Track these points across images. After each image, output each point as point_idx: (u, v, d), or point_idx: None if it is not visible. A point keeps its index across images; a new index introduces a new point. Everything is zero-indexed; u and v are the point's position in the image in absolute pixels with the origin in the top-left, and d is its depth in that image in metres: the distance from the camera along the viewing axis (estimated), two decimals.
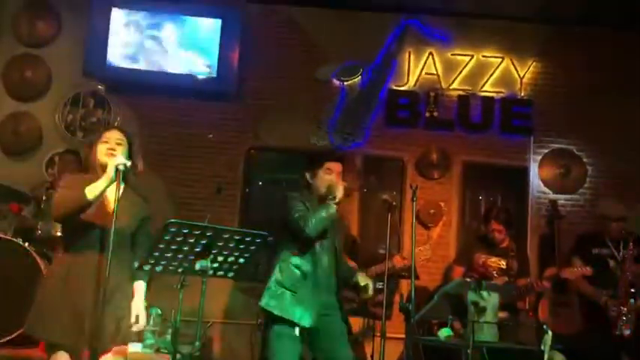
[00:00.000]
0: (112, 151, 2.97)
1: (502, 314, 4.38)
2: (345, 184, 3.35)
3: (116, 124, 6.15)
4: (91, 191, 2.78)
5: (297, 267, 3.32)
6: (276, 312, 3.27)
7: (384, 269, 4.02)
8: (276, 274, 3.36)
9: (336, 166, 3.44)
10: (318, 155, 3.56)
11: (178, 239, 2.62)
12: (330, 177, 3.40)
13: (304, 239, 3.30)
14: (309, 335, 3.29)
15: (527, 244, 5.95)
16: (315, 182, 3.46)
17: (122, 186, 2.86)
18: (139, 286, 3.02)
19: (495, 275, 4.68)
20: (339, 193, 3.31)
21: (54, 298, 2.79)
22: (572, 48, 6.29)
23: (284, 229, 3.41)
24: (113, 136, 3.04)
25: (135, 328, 2.95)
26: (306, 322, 3.24)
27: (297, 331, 3.23)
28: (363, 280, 3.46)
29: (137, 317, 2.94)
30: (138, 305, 2.98)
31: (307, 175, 3.48)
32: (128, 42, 6.11)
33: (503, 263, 4.72)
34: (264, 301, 3.33)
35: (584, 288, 4.85)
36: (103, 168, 2.88)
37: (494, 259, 4.72)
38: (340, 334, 3.39)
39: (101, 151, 2.99)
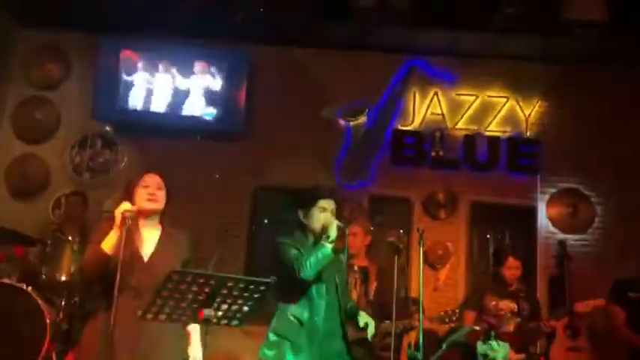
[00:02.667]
0: (152, 197, 2.89)
1: (518, 357, 4.28)
2: (340, 223, 3.19)
3: (123, 164, 6.18)
4: (107, 244, 2.72)
5: (294, 315, 3.21)
6: None
7: (398, 327, 3.94)
8: (273, 323, 3.27)
9: (329, 204, 3.31)
10: (310, 193, 3.38)
11: (182, 287, 2.57)
12: (324, 215, 3.27)
13: (299, 284, 3.17)
14: None
15: (536, 286, 5.85)
16: (308, 222, 3.32)
17: (159, 231, 2.85)
18: (194, 330, 2.96)
19: (507, 318, 4.57)
20: (334, 232, 3.15)
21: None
22: (576, 87, 6.31)
23: (278, 277, 3.22)
24: (154, 181, 2.94)
25: None
26: None
27: None
28: (362, 320, 3.28)
29: None
30: (194, 351, 2.94)
31: (300, 215, 3.35)
32: (137, 84, 6.18)
33: (514, 306, 4.62)
34: (261, 352, 3.23)
35: (627, 336, 4.73)
36: (144, 214, 2.84)
37: (505, 301, 4.62)
38: None
39: (141, 196, 2.88)
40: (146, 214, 2.87)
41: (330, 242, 3.15)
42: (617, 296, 4.76)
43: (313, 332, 3.18)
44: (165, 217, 2.99)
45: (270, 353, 3.19)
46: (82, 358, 2.80)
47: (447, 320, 4.11)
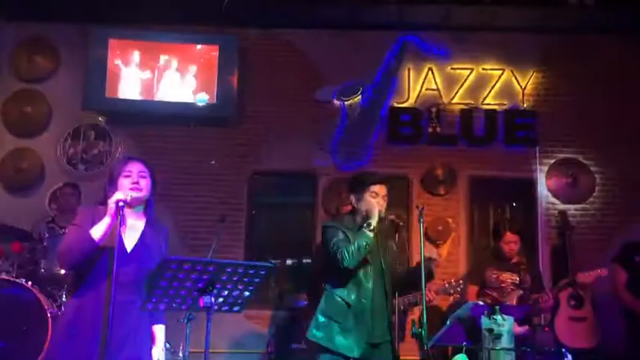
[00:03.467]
0: (136, 185, 2.84)
1: (521, 328, 4.28)
2: (381, 210, 3.27)
3: (117, 155, 6.13)
4: (96, 231, 2.69)
5: (341, 297, 3.27)
6: (322, 343, 3.23)
7: (412, 300, 3.95)
8: (322, 305, 3.33)
9: (382, 189, 3.37)
10: (362, 178, 3.45)
11: (180, 276, 2.54)
12: (377, 200, 3.32)
13: (345, 270, 3.23)
14: None
15: (538, 258, 5.84)
16: (360, 206, 3.37)
17: (143, 223, 2.83)
18: (159, 331, 2.93)
19: (509, 290, 4.59)
20: (375, 219, 3.23)
21: (63, 344, 2.70)
22: (571, 56, 6.26)
23: (325, 259, 3.35)
24: (136, 169, 2.88)
25: None
26: (353, 352, 3.18)
27: None
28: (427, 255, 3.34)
29: None
30: (158, 352, 2.90)
31: (353, 199, 3.41)
32: (127, 73, 6.10)
33: (516, 278, 4.63)
34: (310, 332, 3.29)
35: (626, 300, 4.73)
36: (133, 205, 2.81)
37: (506, 274, 4.64)
38: None
39: (124, 185, 2.83)
40: (130, 203, 2.78)
41: (371, 230, 3.20)
42: (623, 258, 4.76)
43: (361, 314, 3.25)
44: (149, 209, 2.93)
45: (318, 334, 3.26)
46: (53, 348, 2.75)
47: (451, 292, 4.11)
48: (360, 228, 3.27)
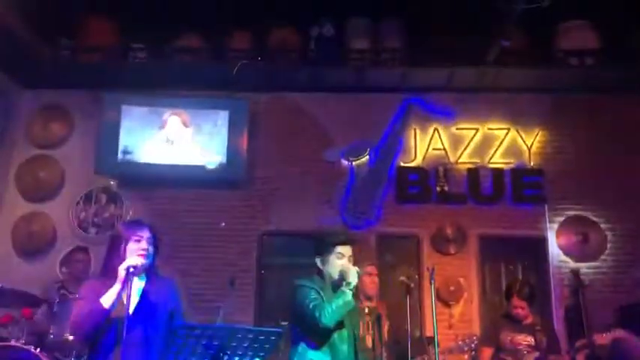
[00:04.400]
0: (145, 252, 2.83)
1: None
2: (358, 270, 3.20)
3: (128, 217, 6.18)
4: (106, 300, 2.69)
5: (315, 359, 3.16)
6: None
7: None
8: None
9: (347, 250, 3.32)
10: (328, 239, 3.39)
11: (191, 342, 2.53)
12: (342, 262, 3.27)
13: (321, 330, 3.13)
14: None
15: (552, 317, 5.75)
16: (326, 268, 3.31)
17: (143, 283, 2.82)
18: None
19: (525, 352, 4.46)
20: (354, 278, 3.16)
21: None
22: (576, 114, 6.36)
23: (297, 320, 3.25)
24: (145, 234, 2.86)
25: None
26: None
27: None
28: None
29: None
30: None
31: (318, 261, 3.35)
32: (138, 137, 6.22)
33: (531, 340, 4.52)
34: None
35: None
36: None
37: (521, 336, 4.53)
38: None
39: (132, 249, 2.81)
40: (137, 269, 2.77)
41: (350, 289, 3.15)
42: (632, 319, 4.64)
43: None
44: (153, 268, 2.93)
45: None
46: None
47: (465, 348, 4.01)
48: (333, 289, 3.22)
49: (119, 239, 2.87)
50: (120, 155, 6.14)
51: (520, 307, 4.49)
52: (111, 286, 2.72)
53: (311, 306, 3.13)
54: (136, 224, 2.95)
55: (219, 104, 6.38)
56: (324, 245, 3.36)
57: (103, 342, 2.74)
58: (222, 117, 6.27)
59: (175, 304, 2.96)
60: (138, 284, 2.87)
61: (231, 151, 6.19)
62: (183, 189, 6.27)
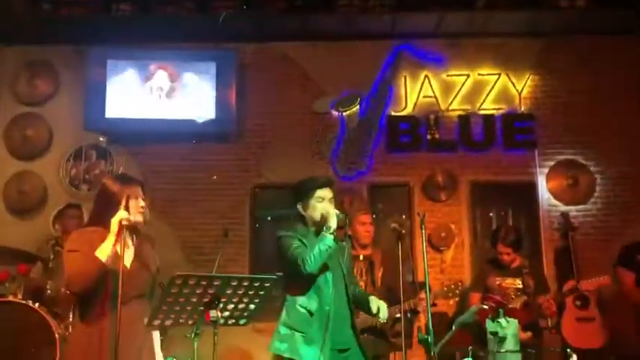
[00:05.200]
0: (144, 209, 2.85)
1: (526, 335, 4.27)
2: (338, 212, 3.19)
3: (109, 175, 6.18)
4: (102, 252, 2.67)
5: (303, 306, 3.20)
6: (286, 355, 3.15)
7: (405, 309, 3.93)
8: (283, 316, 3.26)
9: (327, 193, 3.29)
10: (306, 184, 3.35)
11: (186, 291, 2.56)
12: (322, 205, 3.26)
13: (306, 277, 3.16)
14: None
15: (542, 260, 5.86)
16: (308, 213, 3.30)
17: (134, 239, 2.83)
18: (155, 336, 2.93)
19: (513, 297, 4.55)
20: (334, 222, 3.16)
21: None
22: (566, 58, 6.31)
23: (283, 269, 3.26)
24: (141, 193, 2.87)
25: None
26: None
27: None
28: (374, 305, 3.30)
29: None
30: (160, 355, 2.91)
31: (299, 207, 3.33)
32: (126, 92, 6.14)
33: (519, 282, 4.61)
34: (273, 346, 3.21)
35: (637, 295, 4.74)
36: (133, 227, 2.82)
37: (509, 280, 4.61)
38: None
39: (135, 208, 2.81)
40: (130, 225, 2.78)
41: (331, 233, 3.14)
42: (625, 259, 4.75)
43: (324, 321, 3.15)
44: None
45: (282, 347, 3.17)
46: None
47: (450, 294, 4.10)
48: (317, 233, 3.23)
49: (113, 193, 2.83)
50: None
51: (506, 254, 4.56)
52: (103, 236, 2.71)
53: (294, 254, 3.14)
54: (133, 180, 2.95)
55: (206, 56, 6.28)
56: (303, 190, 3.34)
57: (98, 297, 2.75)
58: (210, 69, 6.18)
59: (157, 263, 2.98)
60: (129, 241, 2.88)
61: (220, 103, 6.13)
62: (173, 144, 6.23)
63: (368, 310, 3.34)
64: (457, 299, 4.32)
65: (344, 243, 3.38)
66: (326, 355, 3.11)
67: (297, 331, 3.17)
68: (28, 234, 5.85)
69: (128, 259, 2.83)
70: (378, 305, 3.30)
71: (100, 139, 6.28)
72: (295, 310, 3.21)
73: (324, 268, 3.21)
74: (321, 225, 3.21)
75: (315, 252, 3.10)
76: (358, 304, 3.41)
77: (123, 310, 2.60)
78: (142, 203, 2.87)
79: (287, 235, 3.25)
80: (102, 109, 6.07)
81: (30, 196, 6.13)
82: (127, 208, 2.77)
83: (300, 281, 3.20)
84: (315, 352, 3.10)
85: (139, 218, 2.84)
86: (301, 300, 3.21)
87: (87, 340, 2.72)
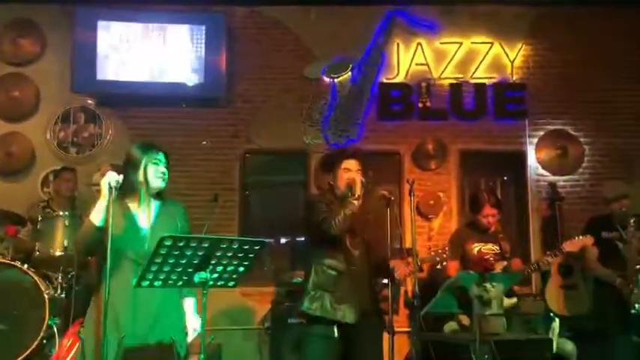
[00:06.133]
0: (163, 175, 2.96)
1: (511, 301, 4.34)
2: (363, 180, 3.39)
3: (108, 137, 6.13)
4: (95, 216, 2.73)
5: (331, 267, 3.37)
6: (318, 314, 3.31)
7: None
8: (312, 277, 3.40)
9: (354, 164, 3.48)
10: (334, 154, 3.59)
11: (175, 253, 2.57)
12: (349, 175, 3.43)
13: (332, 239, 3.34)
14: (347, 336, 3.32)
15: (528, 228, 5.92)
16: (335, 183, 3.51)
17: (157, 202, 2.93)
18: (189, 303, 3.02)
19: (492, 262, 4.56)
20: (358, 189, 3.34)
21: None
22: (559, 28, 6.29)
23: (311, 232, 3.47)
24: (162, 159, 2.98)
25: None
26: (350, 318, 3.28)
27: (335, 331, 3.28)
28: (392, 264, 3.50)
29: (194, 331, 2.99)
30: (192, 322, 3.00)
31: (330, 178, 3.53)
32: (114, 55, 6.05)
33: (496, 247, 4.62)
34: (304, 305, 3.36)
35: (599, 271, 4.78)
36: (150, 190, 2.92)
37: (488, 245, 4.61)
38: (378, 335, 3.43)
39: (153, 173, 2.94)
40: (152, 190, 2.94)
41: (356, 199, 3.33)
42: (591, 233, 4.73)
43: (351, 280, 3.35)
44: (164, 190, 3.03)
45: (312, 306, 3.34)
46: (88, 331, 2.79)
47: (437, 259, 4.15)
48: (342, 199, 3.39)
49: (135, 158, 2.94)
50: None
51: (491, 215, 4.55)
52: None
53: (320, 218, 3.34)
54: (155, 147, 3.03)
55: (195, 19, 6.16)
56: (330, 161, 3.56)
57: (109, 259, 2.78)
58: (200, 32, 6.08)
59: (184, 224, 3.07)
60: (152, 204, 2.98)
61: (210, 67, 6.05)
62: (163, 107, 6.17)
63: (386, 270, 3.48)
64: (442, 265, 4.36)
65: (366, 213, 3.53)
66: (354, 313, 3.29)
67: (326, 290, 3.34)
68: (15, 196, 5.80)
69: (145, 221, 2.92)
70: (394, 266, 3.48)
71: (89, 101, 6.20)
72: (324, 271, 3.38)
73: (351, 231, 3.39)
74: (346, 193, 3.39)
75: (341, 217, 3.28)
76: (379, 268, 3.56)
77: (130, 276, 2.71)
78: (161, 169, 2.96)
79: (315, 201, 3.51)
80: (91, 71, 5.98)
81: (17, 157, 6.06)
82: (145, 173, 2.90)
83: (328, 243, 3.38)
84: (344, 309, 3.29)
85: (159, 184, 2.96)
86: (329, 261, 3.38)
87: (99, 301, 2.76)
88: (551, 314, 3.31)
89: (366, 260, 3.47)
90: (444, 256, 4.05)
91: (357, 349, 3.35)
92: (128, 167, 2.94)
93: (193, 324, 2.99)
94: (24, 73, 6.23)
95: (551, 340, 3.20)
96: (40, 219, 4.75)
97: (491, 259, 4.48)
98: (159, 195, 3.02)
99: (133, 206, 2.93)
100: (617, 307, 4.63)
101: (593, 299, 4.90)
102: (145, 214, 2.93)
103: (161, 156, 2.99)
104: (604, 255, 4.73)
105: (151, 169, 2.94)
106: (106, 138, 6.14)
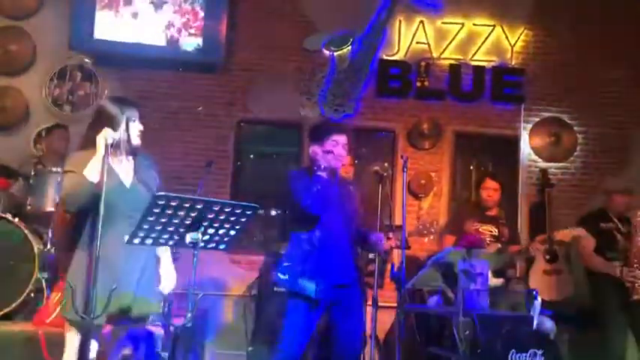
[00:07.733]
0: (141, 134, 2.96)
1: (496, 281, 4.42)
2: (347, 156, 3.42)
3: (104, 97, 6.08)
4: (90, 171, 2.73)
5: (306, 240, 3.36)
6: (288, 286, 3.35)
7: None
8: (288, 249, 3.43)
9: (342, 138, 3.44)
10: (323, 127, 3.59)
11: (168, 212, 2.59)
12: (337, 148, 3.41)
13: (310, 213, 3.32)
14: (327, 308, 3.34)
15: (517, 213, 5.99)
16: (322, 155, 3.47)
17: (131, 159, 2.92)
18: (166, 253, 3.05)
19: (488, 242, 4.67)
20: (337, 164, 3.37)
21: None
22: (561, 15, 6.26)
23: (290, 207, 3.47)
24: (137, 116, 2.98)
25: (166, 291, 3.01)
26: (316, 294, 3.27)
27: (305, 303, 3.28)
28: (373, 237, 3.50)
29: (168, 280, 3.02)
30: (169, 269, 3.03)
31: (316, 148, 3.47)
32: (114, 14, 5.98)
33: (495, 230, 4.72)
34: (277, 276, 3.40)
35: (596, 263, 4.84)
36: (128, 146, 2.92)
37: (486, 226, 4.71)
38: (356, 307, 3.44)
39: (134, 131, 2.94)
40: (132, 147, 2.93)
41: (330, 174, 3.35)
42: (588, 225, 4.80)
43: (326, 257, 3.33)
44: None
45: (284, 277, 3.36)
46: (78, 280, 2.80)
47: (425, 232, 4.20)
48: (326, 173, 3.39)
49: (113, 115, 2.88)
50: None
51: (492, 189, 4.61)
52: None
53: (298, 191, 3.31)
54: (132, 103, 3.01)
55: None
56: (319, 132, 3.51)
57: (91, 215, 2.81)
58: None
59: (158, 182, 3.07)
60: (129, 160, 2.98)
61: (209, 32, 6.00)
62: (159, 70, 6.12)
63: (369, 247, 3.53)
64: (432, 237, 4.42)
65: (351, 187, 3.57)
66: (326, 288, 3.28)
67: (299, 263, 3.33)
68: (8, 151, 5.76)
69: (127, 177, 2.92)
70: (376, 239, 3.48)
71: (86, 60, 6.14)
72: (299, 244, 3.37)
73: (329, 205, 3.35)
74: (329, 167, 3.37)
75: (314, 191, 3.26)
76: (361, 241, 3.58)
77: (122, 230, 2.70)
78: (140, 127, 2.95)
79: (297, 174, 3.47)
80: (90, 30, 5.92)
81: (11, 112, 6.01)
82: (127, 131, 2.88)
83: (305, 217, 3.34)
84: (315, 284, 3.27)
85: (138, 142, 2.95)
86: (305, 234, 3.36)
87: (88, 262, 2.78)
88: (534, 292, 3.37)
89: (346, 233, 3.44)
90: (432, 230, 4.10)
91: (335, 322, 3.37)
92: (102, 122, 2.86)
93: (168, 274, 3.02)
94: (21, 26, 6.14)
95: (532, 317, 3.27)
96: (32, 174, 4.74)
97: (487, 240, 4.56)
98: (133, 150, 3.00)
99: (113, 161, 2.87)
100: (615, 295, 4.67)
101: (582, 285, 4.96)
102: (124, 169, 2.94)
103: (137, 113, 2.98)
104: (603, 246, 4.78)
105: (132, 126, 2.93)
106: (101, 98, 6.09)
